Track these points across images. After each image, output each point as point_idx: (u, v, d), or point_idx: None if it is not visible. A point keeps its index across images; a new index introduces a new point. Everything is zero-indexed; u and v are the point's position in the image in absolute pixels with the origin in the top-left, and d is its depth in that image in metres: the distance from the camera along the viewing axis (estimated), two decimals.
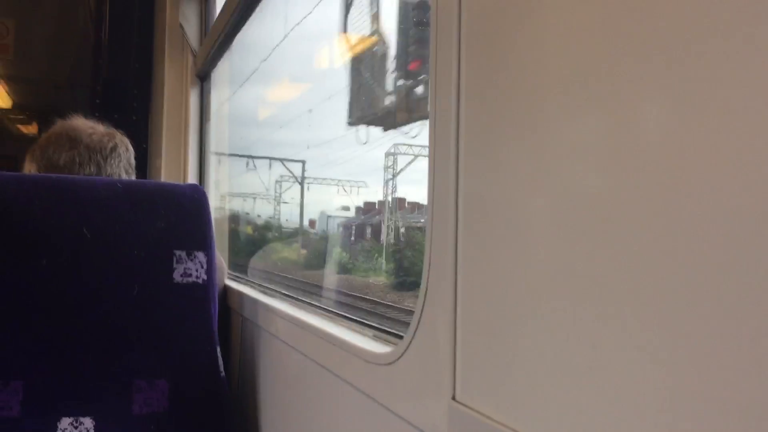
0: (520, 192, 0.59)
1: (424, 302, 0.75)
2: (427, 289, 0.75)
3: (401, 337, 0.83)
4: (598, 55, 0.50)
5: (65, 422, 1.29)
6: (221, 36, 2.15)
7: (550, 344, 0.54)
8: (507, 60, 0.61)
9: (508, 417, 0.59)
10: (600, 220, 0.49)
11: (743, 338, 0.38)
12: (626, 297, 0.46)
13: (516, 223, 0.59)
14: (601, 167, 0.50)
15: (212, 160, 2.63)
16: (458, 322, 0.68)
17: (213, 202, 2.53)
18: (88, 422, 1.30)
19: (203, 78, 2.58)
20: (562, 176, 0.53)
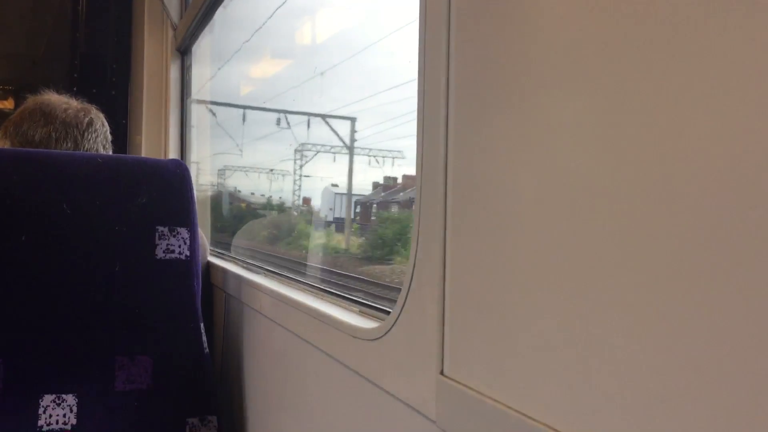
0: (509, 169, 0.58)
1: (412, 277, 0.75)
2: (415, 264, 0.75)
3: (389, 313, 0.82)
4: (590, 33, 0.49)
5: (47, 399, 1.28)
6: (202, 9, 2.11)
7: (537, 319, 0.54)
8: (497, 36, 0.60)
9: (496, 391, 0.59)
10: (587, 197, 0.49)
11: (730, 323, 0.38)
12: (613, 274, 0.47)
13: (505, 199, 0.59)
14: (591, 147, 0.49)
15: (194, 136, 2.59)
16: (447, 296, 0.68)
17: (194, 178, 2.51)
18: (70, 399, 1.29)
19: (184, 52, 2.53)
20: (552, 154, 0.53)
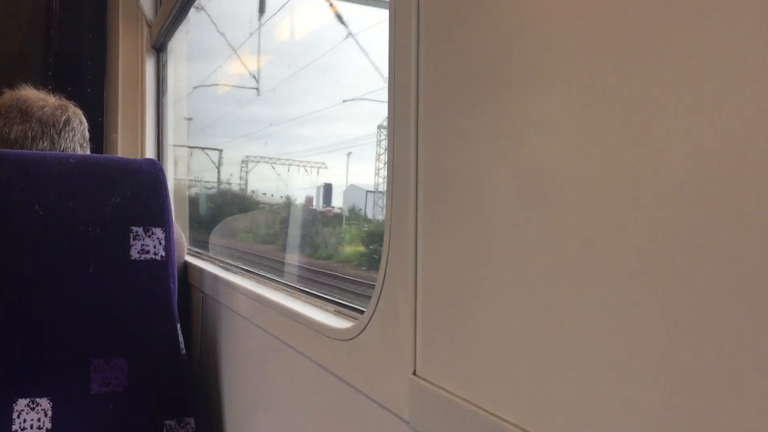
0: (479, 166, 0.58)
1: (384, 277, 0.75)
2: (387, 264, 0.74)
3: (363, 312, 0.82)
4: (559, 29, 0.49)
5: (21, 403, 1.26)
6: (176, 6, 2.09)
7: (508, 319, 0.54)
8: (465, 33, 0.60)
9: (468, 391, 0.59)
10: (557, 194, 0.49)
11: (707, 321, 0.38)
12: (587, 272, 0.46)
13: (475, 198, 0.58)
14: (562, 143, 0.49)
15: (170, 133, 2.57)
16: (419, 297, 0.68)
17: (171, 176, 2.49)
18: (45, 403, 1.27)
19: (159, 49, 2.51)
20: (521, 150, 0.53)
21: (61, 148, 1.52)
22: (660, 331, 0.40)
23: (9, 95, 1.56)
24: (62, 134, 1.53)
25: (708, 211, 0.37)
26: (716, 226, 0.37)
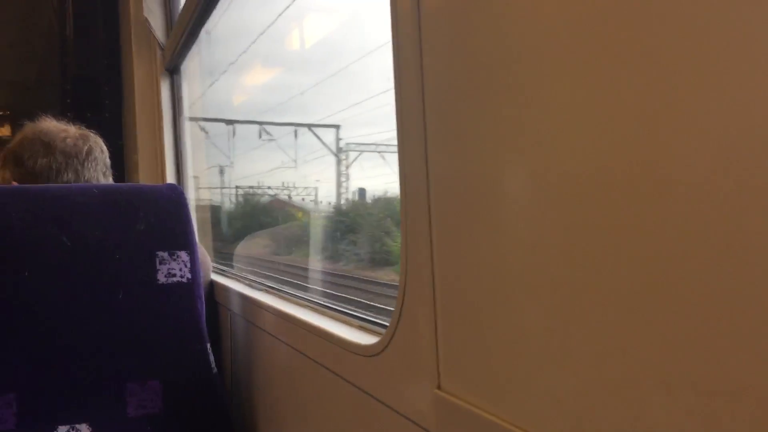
0: (489, 171, 0.58)
1: (404, 294, 0.76)
2: (406, 281, 0.76)
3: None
4: (565, 30, 0.49)
5: (62, 430, 1.30)
6: (188, 27, 2.12)
7: (528, 331, 0.54)
8: (467, 36, 0.61)
9: (492, 404, 0.60)
10: (574, 197, 0.49)
11: (732, 324, 0.39)
12: (605, 282, 0.46)
13: (487, 205, 0.59)
14: (573, 145, 0.49)
15: (189, 152, 2.61)
16: (438, 313, 0.69)
17: (192, 194, 2.52)
18: (84, 428, 1.31)
19: (173, 71, 2.55)
20: (532, 151, 0.53)
21: (85, 179, 1.55)
22: (697, 335, 0.40)
23: (31, 128, 1.60)
24: (85, 164, 1.57)
25: (727, 209, 0.38)
26: (730, 224, 0.38)
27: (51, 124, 1.61)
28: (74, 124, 1.65)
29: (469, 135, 0.61)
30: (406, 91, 0.72)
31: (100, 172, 1.60)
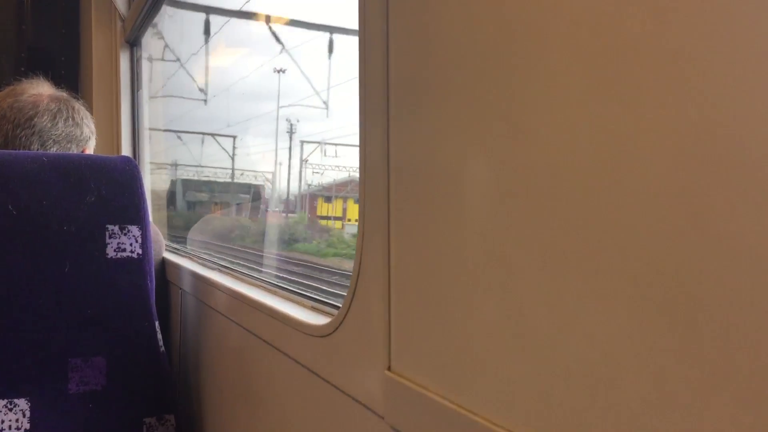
0: (451, 161, 0.58)
1: (358, 274, 0.75)
2: (360, 260, 0.75)
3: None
4: (525, 20, 0.49)
5: None
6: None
7: (480, 314, 0.54)
8: (436, 24, 0.60)
9: (442, 387, 0.60)
10: (528, 188, 0.49)
11: (690, 320, 0.39)
12: (558, 268, 0.47)
13: (447, 194, 0.59)
14: (532, 137, 0.49)
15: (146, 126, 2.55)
16: (392, 293, 0.68)
17: (147, 173, 2.47)
18: (23, 403, 1.27)
19: (133, 43, 2.49)
20: (493, 143, 0.53)
21: (50, 145, 1.48)
22: (641, 326, 0.41)
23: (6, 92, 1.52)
24: (51, 128, 1.50)
25: (690, 208, 0.38)
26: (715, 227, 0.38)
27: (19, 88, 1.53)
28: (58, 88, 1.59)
29: (431, 124, 0.61)
30: (370, 80, 0.71)
31: (71, 137, 1.52)
